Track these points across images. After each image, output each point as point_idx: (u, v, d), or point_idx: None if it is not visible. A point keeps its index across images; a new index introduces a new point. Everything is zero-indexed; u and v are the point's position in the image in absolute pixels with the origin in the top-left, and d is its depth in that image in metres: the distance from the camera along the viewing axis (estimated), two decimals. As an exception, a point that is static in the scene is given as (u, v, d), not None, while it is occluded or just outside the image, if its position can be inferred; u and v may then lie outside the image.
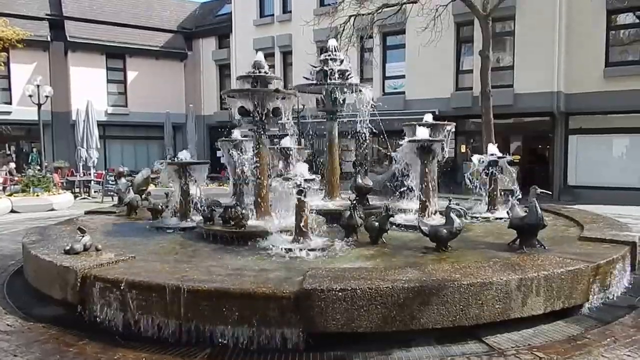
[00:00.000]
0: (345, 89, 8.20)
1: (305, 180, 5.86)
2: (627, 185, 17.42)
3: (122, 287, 4.57)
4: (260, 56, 7.36)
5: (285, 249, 5.88)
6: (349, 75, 8.39)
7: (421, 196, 7.48)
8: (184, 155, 7.82)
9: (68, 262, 5.12)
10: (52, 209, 15.24)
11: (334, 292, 4.22)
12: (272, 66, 25.68)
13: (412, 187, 8.49)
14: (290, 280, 4.57)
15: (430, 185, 7.46)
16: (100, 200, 18.47)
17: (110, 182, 19.13)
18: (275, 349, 4.24)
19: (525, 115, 19.19)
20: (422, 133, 7.48)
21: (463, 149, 20.73)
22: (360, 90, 8.41)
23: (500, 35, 19.45)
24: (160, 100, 27.80)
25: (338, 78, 8.28)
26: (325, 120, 8.75)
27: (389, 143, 9.33)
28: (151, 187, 11.55)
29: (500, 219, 8.01)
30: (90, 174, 22.04)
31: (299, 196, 5.92)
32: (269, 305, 4.24)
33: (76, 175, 21.86)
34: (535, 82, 18.05)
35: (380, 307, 4.24)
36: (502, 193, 8.48)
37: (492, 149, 8.50)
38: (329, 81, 8.11)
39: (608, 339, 4.28)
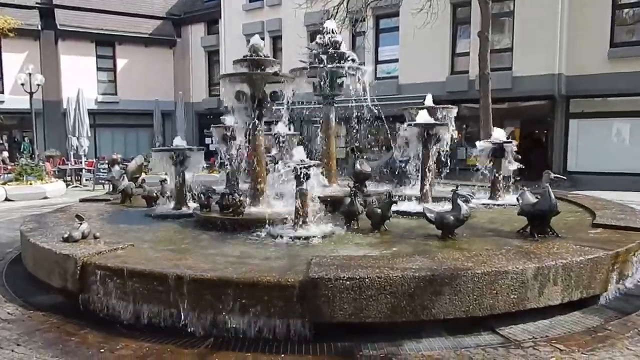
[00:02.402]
0: (344, 73, 7.90)
1: (308, 166, 5.60)
2: (630, 171, 17.10)
3: (123, 276, 4.39)
4: (257, 39, 7.06)
5: (285, 236, 5.65)
6: (347, 58, 8.10)
7: (424, 182, 7.25)
8: (179, 142, 7.53)
9: (67, 250, 4.93)
10: (46, 197, 15.05)
11: (341, 281, 4.01)
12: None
13: (410, 173, 8.30)
14: (294, 269, 4.36)
15: (432, 171, 7.22)
16: (92, 189, 18.24)
17: (102, 170, 18.82)
18: (280, 339, 4.05)
19: (525, 99, 18.89)
20: (425, 117, 7.23)
21: (455, 134, 20.44)
22: (359, 74, 8.13)
23: (499, 16, 18.95)
24: (149, 88, 27.50)
25: (336, 61, 7.99)
26: (318, 105, 8.47)
27: (387, 128, 9.04)
28: (143, 175, 11.32)
29: (503, 205, 7.84)
30: (81, 163, 21.71)
31: (299, 182, 5.67)
32: (273, 294, 4.05)
33: (67, 164, 21.51)
34: (535, 64, 17.75)
35: (389, 296, 4.03)
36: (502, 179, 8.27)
37: (498, 133, 8.27)
38: (327, 64, 7.80)
39: (631, 331, 4.09)
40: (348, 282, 4.01)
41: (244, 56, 6.85)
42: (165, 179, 8.36)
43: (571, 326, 4.32)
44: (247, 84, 6.74)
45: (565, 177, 5.64)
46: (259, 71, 6.82)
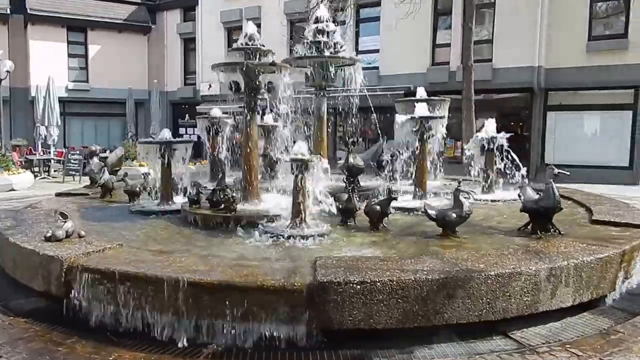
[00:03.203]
0: (337, 63, 7.65)
1: (309, 160, 5.36)
2: (606, 164, 17.36)
3: (114, 279, 4.09)
4: (251, 27, 6.76)
5: (282, 234, 5.41)
6: (341, 48, 7.85)
7: (418, 177, 7.08)
8: (166, 134, 7.16)
9: (51, 251, 4.57)
10: (12, 189, 14.31)
11: (351, 285, 3.80)
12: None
13: (401, 167, 8.13)
14: (299, 271, 4.13)
15: (427, 165, 7.06)
16: (62, 180, 17.59)
17: (72, 161, 18.18)
18: (285, 346, 3.83)
19: (504, 91, 18.95)
20: (421, 109, 7.05)
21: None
22: (353, 65, 7.90)
23: (480, 7, 18.84)
24: (122, 76, 26.63)
25: (329, 51, 7.73)
26: (308, 96, 8.21)
27: (372, 119, 8.80)
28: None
29: (497, 200, 7.75)
30: (49, 153, 20.93)
31: (297, 177, 5.42)
32: (278, 299, 3.81)
33: (35, 154, 20.70)
34: (515, 56, 17.81)
35: (401, 301, 3.84)
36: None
37: (491, 126, 8.16)
38: (321, 54, 7.53)
39: (644, 334, 4.00)
40: (358, 286, 3.81)
41: (238, 45, 6.53)
42: (148, 172, 7.99)
43: (583, 329, 4.21)
44: (241, 73, 6.43)
45: (569, 173, 5.51)
46: (253, 60, 6.50)
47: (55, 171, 19.66)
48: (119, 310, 4.14)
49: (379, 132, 9.67)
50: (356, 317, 3.81)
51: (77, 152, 18.80)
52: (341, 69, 8.14)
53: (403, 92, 18.70)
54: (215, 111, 9.40)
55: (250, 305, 3.83)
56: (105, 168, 8.39)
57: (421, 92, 8.15)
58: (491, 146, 7.93)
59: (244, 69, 6.41)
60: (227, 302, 3.85)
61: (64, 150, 20.49)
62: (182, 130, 26.82)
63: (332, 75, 7.73)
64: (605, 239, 5.11)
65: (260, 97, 6.65)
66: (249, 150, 6.57)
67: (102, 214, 7.04)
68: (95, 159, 9.20)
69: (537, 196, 5.63)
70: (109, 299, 4.16)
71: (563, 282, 4.23)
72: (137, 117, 26.25)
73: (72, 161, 18.15)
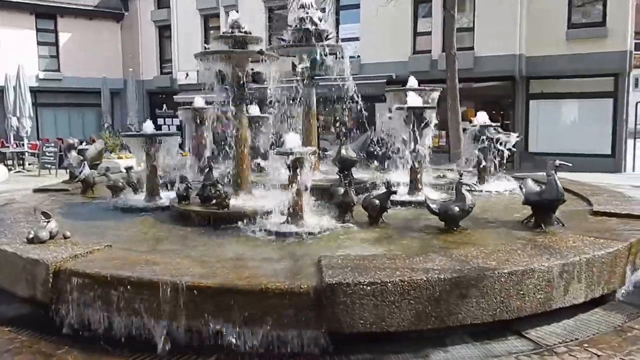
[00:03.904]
0: (327, 51, 7.39)
1: (303, 153, 5.12)
2: (589, 152, 17.37)
3: (106, 284, 3.83)
4: (236, 15, 6.45)
5: (279, 232, 5.16)
6: (329, 35, 7.60)
7: (412, 168, 6.89)
8: (149, 126, 6.81)
9: (36, 254, 4.26)
10: (-14, 184, 13.72)
11: (361, 286, 3.61)
12: (217, 27, 24.26)
13: (390, 158, 7.95)
14: (303, 272, 3.94)
15: (420, 157, 6.87)
16: (37, 174, 17.01)
17: (48, 154, 17.56)
18: (292, 353, 3.63)
19: (486, 80, 18.89)
20: (414, 99, 6.85)
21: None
22: (342, 53, 7.66)
23: (461, -6, 18.85)
24: (96, 65, 25.74)
25: (317, 39, 7.47)
26: (294, 85, 7.93)
27: (359, 109, 8.56)
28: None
29: (490, 192, 7.64)
30: (23, 145, 20.19)
31: (294, 172, 5.18)
32: (284, 302, 3.60)
33: (8, 147, 19.95)
34: (496, 44, 17.72)
35: (413, 302, 3.66)
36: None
37: (483, 117, 8.02)
38: (311, 42, 7.26)
39: (660, 330, 3.90)
40: (369, 288, 3.62)
41: (223, 32, 6.23)
42: (131, 167, 7.65)
43: (597, 326, 4.09)
44: (228, 63, 6.13)
45: (571, 164, 5.39)
46: (239, 49, 6.22)
47: (30, 164, 19.01)
48: (112, 317, 3.89)
49: (365, 122, 9.42)
50: (367, 320, 3.63)
51: (52, 144, 18.17)
52: (326, 58, 7.86)
53: (385, 80, 18.53)
54: (199, 101, 9.06)
55: (254, 310, 3.62)
56: (85, 162, 7.98)
57: (412, 82, 7.94)
58: (484, 136, 7.78)
59: (231, 58, 6.12)
60: (229, 307, 3.64)
61: (38, 143, 19.76)
62: (160, 121, 26.14)
63: (321, 64, 7.46)
64: (610, 231, 5.02)
65: (248, 87, 6.36)
66: (239, 143, 6.29)
67: (85, 211, 6.67)
68: (74, 153, 8.79)
69: (538, 188, 5.51)
70: (101, 305, 3.90)
71: (575, 278, 4.11)
72: (112, 108, 25.43)
73: (47, 154, 17.54)
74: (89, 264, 4.11)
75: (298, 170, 5.12)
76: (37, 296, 4.19)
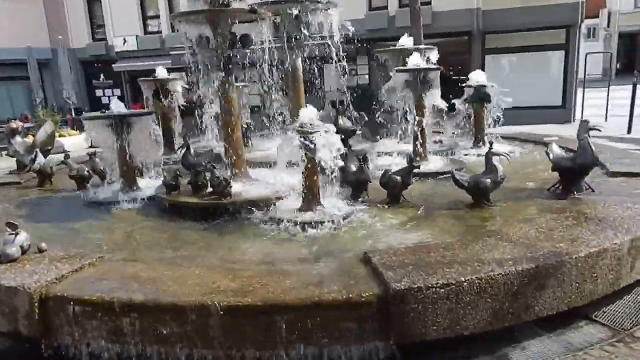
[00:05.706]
0: (314, 9, 6.63)
1: (319, 131, 4.44)
2: (542, 104, 17.54)
3: (112, 311, 3.10)
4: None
5: (298, 222, 4.48)
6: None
7: (417, 137, 6.37)
8: (117, 106, 5.84)
9: (12, 280, 3.40)
10: None
11: (434, 289, 3.08)
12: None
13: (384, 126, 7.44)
14: (353, 274, 3.34)
15: (425, 124, 6.36)
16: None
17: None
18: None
19: (444, 35, 18.45)
20: (415, 60, 6.27)
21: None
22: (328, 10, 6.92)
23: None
24: (17, 33, 23.10)
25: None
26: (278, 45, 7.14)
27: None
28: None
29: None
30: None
31: (310, 152, 4.49)
32: (343, 315, 3.05)
33: None
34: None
35: (490, 300, 3.19)
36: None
37: (479, 75, 7.56)
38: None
39: None
40: (442, 290, 3.09)
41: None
42: (95, 152, 6.68)
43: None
44: (208, 25, 5.26)
45: (601, 129, 5.02)
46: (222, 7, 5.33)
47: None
48: (125, 348, 3.18)
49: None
50: (441, 325, 3.13)
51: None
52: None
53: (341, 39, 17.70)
54: (162, 71, 8.08)
55: (306, 327, 3.03)
56: (38, 150, 6.89)
57: (406, 41, 7.32)
58: (480, 96, 7.33)
59: (214, 18, 5.26)
60: (276, 326, 3.03)
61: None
62: (98, 93, 24.15)
63: (305, 23, 6.70)
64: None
65: (235, 52, 5.56)
66: (230, 117, 5.49)
67: (52, 210, 5.66)
68: (18, 138, 7.61)
69: (565, 154, 5.13)
70: (109, 336, 3.18)
71: (640, 253, 3.77)
72: (42, 81, 23.05)
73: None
74: (83, 286, 3.33)
75: (319, 150, 4.41)
76: (22, 331, 3.37)
